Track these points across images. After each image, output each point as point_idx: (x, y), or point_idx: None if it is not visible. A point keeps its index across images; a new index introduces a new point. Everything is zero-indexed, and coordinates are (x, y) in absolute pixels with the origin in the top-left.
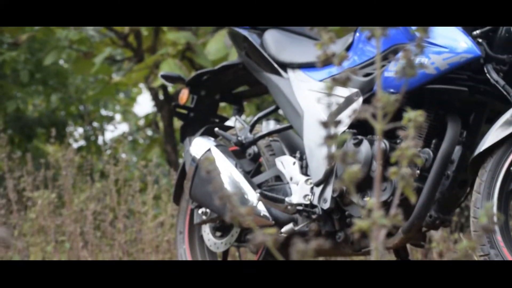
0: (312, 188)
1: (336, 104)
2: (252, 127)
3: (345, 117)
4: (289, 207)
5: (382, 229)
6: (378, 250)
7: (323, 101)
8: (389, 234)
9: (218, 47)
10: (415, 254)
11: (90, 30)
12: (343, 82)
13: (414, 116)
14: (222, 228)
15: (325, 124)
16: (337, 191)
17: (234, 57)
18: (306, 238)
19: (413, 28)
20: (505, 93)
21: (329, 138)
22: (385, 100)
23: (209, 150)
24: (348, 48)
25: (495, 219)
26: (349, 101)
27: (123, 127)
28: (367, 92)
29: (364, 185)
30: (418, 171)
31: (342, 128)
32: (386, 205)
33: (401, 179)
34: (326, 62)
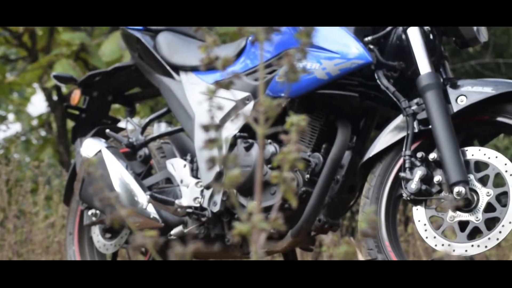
0: (202, 191)
1: (227, 107)
2: (144, 129)
3: (236, 121)
4: (179, 209)
5: (262, 233)
6: (258, 254)
7: (209, 105)
8: (279, 237)
9: (112, 48)
10: (305, 258)
11: None
12: (226, 86)
13: (296, 121)
14: (111, 229)
15: (205, 128)
16: (225, 194)
17: (128, 58)
18: (186, 240)
19: (300, 29)
20: (395, 99)
21: (210, 141)
22: (267, 104)
23: (100, 151)
24: (241, 52)
25: (377, 224)
26: (240, 104)
27: (16, 127)
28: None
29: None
30: (307, 176)
31: (232, 131)
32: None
33: (282, 183)
34: (209, 66)
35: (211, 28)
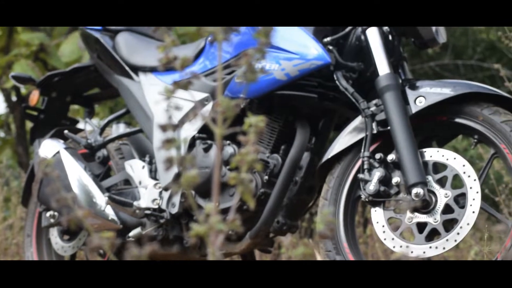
0: (160, 192)
1: (185, 108)
2: (102, 130)
3: (195, 122)
4: (137, 211)
5: (219, 234)
6: (215, 255)
7: (166, 105)
8: (238, 239)
9: (71, 48)
10: (264, 259)
11: None
12: (184, 86)
13: (255, 122)
14: (70, 231)
15: (163, 128)
16: (184, 196)
17: (87, 59)
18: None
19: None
20: (354, 100)
21: (168, 142)
22: (225, 105)
23: (58, 152)
24: (200, 53)
25: (335, 225)
26: (199, 105)
27: None
28: None
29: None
30: (266, 177)
31: (191, 132)
32: (236, 210)
33: (240, 184)
34: (168, 66)
35: (170, 28)
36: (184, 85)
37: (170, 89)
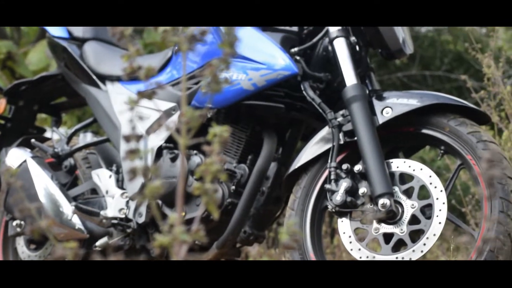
0: (127, 202)
1: (152, 117)
2: (69, 139)
3: (161, 132)
4: (104, 220)
5: (183, 244)
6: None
7: (132, 116)
8: (204, 249)
9: (39, 57)
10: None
11: None
12: (149, 96)
13: (219, 132)
14: (36, 241)
15: (127, 138)
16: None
17: (55, 67)
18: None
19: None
20: (321, 110)
21: (132, 152)
22: (189, 116)
23: (24, 161)
24: (168, 62)
25: (299, 236)
26: (166, 115)
27: None
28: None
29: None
30: (233, 187)
31: (158, 142)
32: (202, 221)
33: (204, 194)
34: (132, 75)
35: (135, 37)
36: (148, 95)
37: (134, 100)
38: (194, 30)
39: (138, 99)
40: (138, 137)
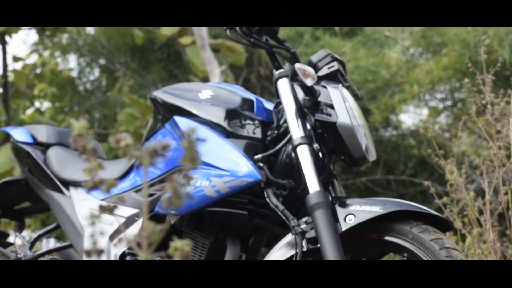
0: None
1: (115, 224)
2: (32, 244)
3: (124, 240)
4: None
5: None
6: None
7: (91, 230)
8: None
9: (3, 160)
10: None
11: None
12: (110, 210)
13: (180, 245)
14: None
15: (87, 253)
16: None
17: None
18: None
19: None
20: (284, 218)
21: None
22: (150, 230)
23: None
24: (131, 168)
25: None
26: (129, 221)
27: None
28: (149, 213)
29: None
30: None
31: (121, 249)
32: None
33: None
34: (94, 188)
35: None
36: (109, 209)
37: (95, 215)
38: (155, 145)
39: (100, 214)
40: (99, 252)
